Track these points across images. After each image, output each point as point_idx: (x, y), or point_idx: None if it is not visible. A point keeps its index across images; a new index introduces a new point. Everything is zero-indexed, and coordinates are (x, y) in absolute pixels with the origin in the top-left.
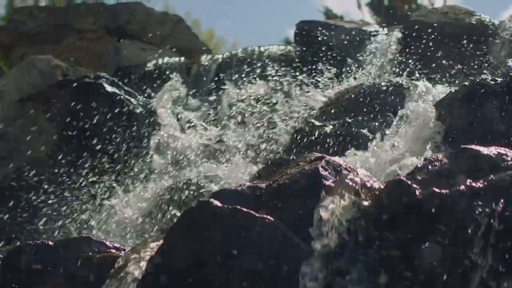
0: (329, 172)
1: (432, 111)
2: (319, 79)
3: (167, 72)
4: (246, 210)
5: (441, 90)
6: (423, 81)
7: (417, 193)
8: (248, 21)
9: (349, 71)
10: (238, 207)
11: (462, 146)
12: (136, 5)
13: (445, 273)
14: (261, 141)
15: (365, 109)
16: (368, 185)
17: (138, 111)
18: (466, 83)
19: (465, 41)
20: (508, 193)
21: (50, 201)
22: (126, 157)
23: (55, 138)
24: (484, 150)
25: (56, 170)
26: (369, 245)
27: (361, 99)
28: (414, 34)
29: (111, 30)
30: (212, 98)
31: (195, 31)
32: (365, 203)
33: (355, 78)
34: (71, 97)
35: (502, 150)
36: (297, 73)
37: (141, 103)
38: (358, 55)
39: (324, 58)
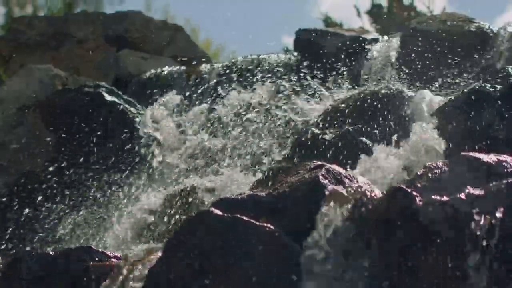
0: (329, 181)
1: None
2: (319, 86)
3: (167, 81)
4: (246, 218)
5: (440, 97)
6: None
7: (417, 200)
8: (244, 28)
9: (349, 79)
10: (238, 215)
11: (461, 153)
12: (135, 13)
13: (445, 280)
14: (261, 149)
15: (365, 117)
16: (368, 192)
17: (137, 120)
18: (466, 90)
19: (464, 48)
20: (508, 200)
21: (50, 210)
22: (125, 166)
23: (54, 147)
24: (483, 157)
25: (55, 179)
26: (369, 252)
27: (361, 107)
28: (413, 41)
29: (110, 39)
30: (211, 106)
31: (194, 39)
32: (365, 211)
33: (355, 86)
34: (70, 106)
35: (501, 157)
36: (297, 81)
37: (140, 112)
38: (357, 62)
39: (323, 66)
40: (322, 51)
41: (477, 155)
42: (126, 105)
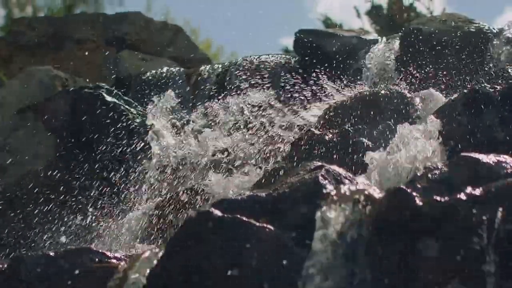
0: (329, 181)
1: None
2: (319, 88)
3: (167, 82)
4: (246, 219)
5: (440, 98)
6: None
7: (417, 201)
8: (244, 29)
9: (349, 79)
10: (238, 216)
11: (461, 154)
12: (135, 14)
13: (446, 281)
14: (261, 150)
15: (365, 118)
16: (368, 193)
17: (137, 121)
18: (466, 91)
19: (464, 49)
20: (509, 201)
21: (50, 212)
22: (125, 167)
23: (54, 149)
24: (483, 158)
25: (55, 181)
26: (369, 254)
27: (360, 108)
28: (413, 42)
29: (110, 40)
30: (211, 107)
31: (194, 39)
32: (365, 211)
33: (354, 86)
34: (70, 107)
35: (501, 157)
36: (297, 82)
37: (140, 113)
38: (357, 63)
39: (323, 67)
40: (321, 51)
41: (477, 155)
42: (126, 106)
